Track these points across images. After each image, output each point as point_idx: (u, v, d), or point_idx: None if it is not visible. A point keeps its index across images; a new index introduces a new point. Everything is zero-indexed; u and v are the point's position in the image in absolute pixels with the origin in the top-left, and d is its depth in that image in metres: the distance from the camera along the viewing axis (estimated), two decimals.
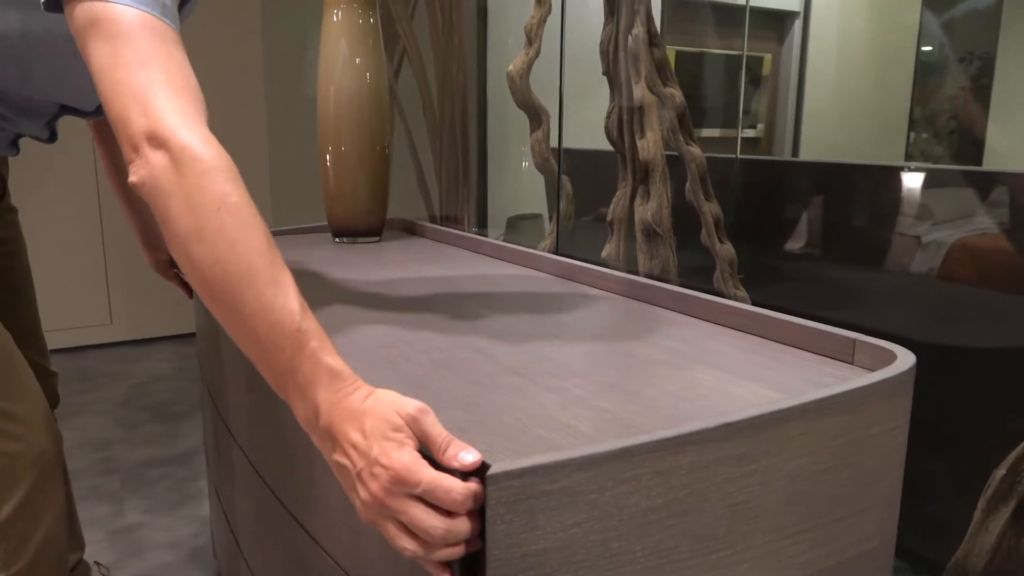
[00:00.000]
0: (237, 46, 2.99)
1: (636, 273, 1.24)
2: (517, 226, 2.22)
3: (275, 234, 1.53)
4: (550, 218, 1.64)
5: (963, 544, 0.80)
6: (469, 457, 0.50)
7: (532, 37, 1.49)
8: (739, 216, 1.31)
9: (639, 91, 1.19)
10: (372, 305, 0.95)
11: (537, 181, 1.65)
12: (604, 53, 1.21)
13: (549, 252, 1.31)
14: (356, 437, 0.51)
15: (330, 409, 0.53)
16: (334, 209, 1.48)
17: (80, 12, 0.58)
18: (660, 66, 1.14)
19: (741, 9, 1.75)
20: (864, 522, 0.66)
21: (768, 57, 1.81)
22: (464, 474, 0.50)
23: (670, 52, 1.90)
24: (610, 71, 1.21)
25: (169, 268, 1.32)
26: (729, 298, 1.15)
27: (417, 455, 0.50)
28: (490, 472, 0.49)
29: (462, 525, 0.49)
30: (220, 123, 2.73)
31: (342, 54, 1.41)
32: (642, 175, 1.21)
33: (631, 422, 0.60)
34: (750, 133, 1.83)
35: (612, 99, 1.23)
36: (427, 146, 2.04)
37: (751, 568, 0.60)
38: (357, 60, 1.42)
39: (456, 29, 1.89)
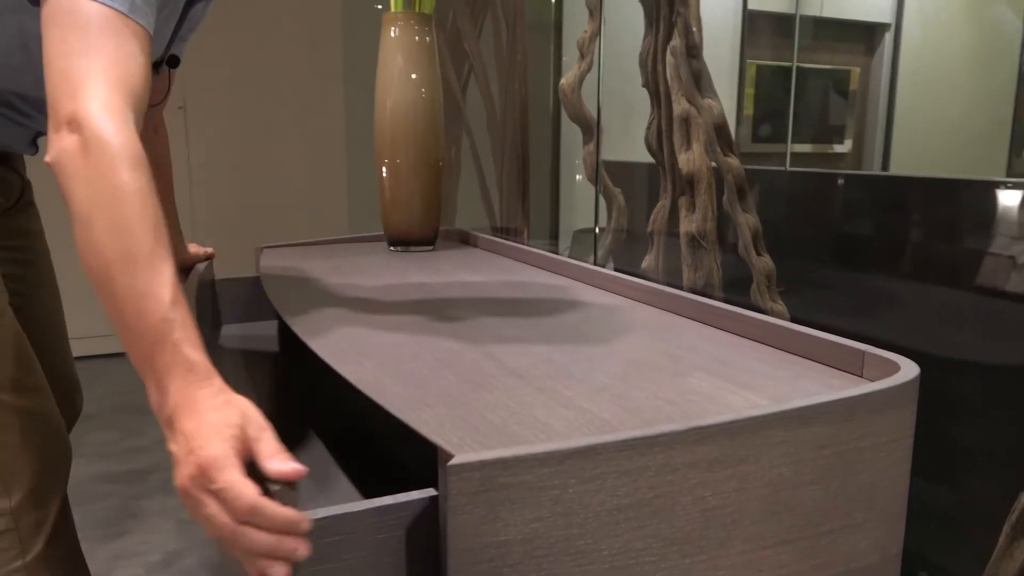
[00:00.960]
0: (317, 55, 3.13)
1: (678, 284, 1.23)
2: (581, 239, 2.23)
3: (334, 242, 1.60)
4: (610, 230, 1.64)
5: (986, 570, 0.76)
6: (280, 464, 0.50)
7: (584, 51, 1.51)
8: (786, 229, 1.28)
9: (683, 103, 1.19)
10: (398, 308, 0.99)
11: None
12: (643, 65, 1.21)
13: (587, 262, 1.32)
14: (190, 426, 0.52)
15: (178, 400, 0.54)
16: (389, 218, 1.53)
17: (48, 5, 0.63)
18: (698, 77, 1.14)
19: (823, 22, 1.72)
20: (858, 537, 0.64)
21: (856, 71, 1.76)
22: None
23: (750, 66, 1.88)
24: (649, 83, 1.22)
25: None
26: (765, 311, 1.13)
27: (231, 454, 0.49)
28: (451, 463, 0.51)
29: (251, 535, 0.47)
30: (298, 132, 2.88)
31: (398, 69, 1.47)
32: (683, 186, 1.21)
33: (608, 423, 0.61)
34: (838, 148, 1.78)
35: (652, 111, 1.24)
36: (491, 159, 2.08)
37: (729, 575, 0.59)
38: (413, 75, 1.48)
39: (519, 45, 1.93)
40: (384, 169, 1.51)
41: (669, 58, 1.17)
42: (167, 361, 0.55)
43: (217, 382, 0.56)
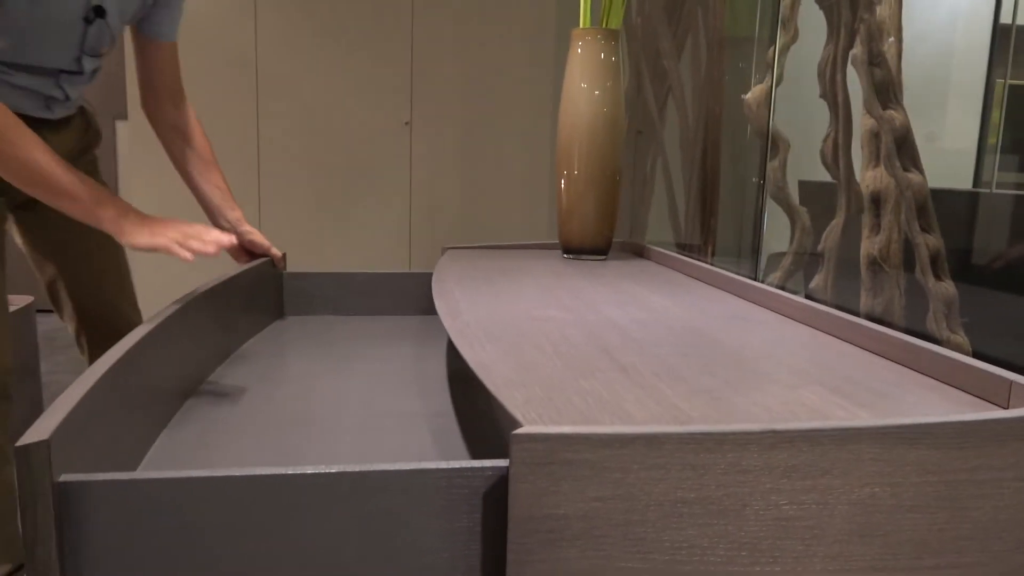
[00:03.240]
0: (532, 75, 3.27)
1: (849, 307, 1.16)
2: (772, 261, 2.14)
3: (513, 247, 1.68)
4: (791, 252, 1.57)
5: None
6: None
7: (774, 64, 1.47)
8: (981, 256, 1.16)
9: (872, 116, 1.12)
10: (544, 305, 1.03)
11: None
12: (821, 75, 1.16)
13: (754, 280, 1.28)
14: (161, 225, 0.98)
15: (138, 222, 0.98)
16: (564, 227, 1.58)
17: None
18: (882, 88, 1.07)
19: None
20: None
21: None
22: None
23: (999, 85, 1.71)
24: (827, 93, 1.16)
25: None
26: (941, 342, 1.03)
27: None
28: (516, 432, 0.54)
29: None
30: (510, 148, 3.03)
31: (581, 85, 1.52)
32: (859, 204, 1.14)
33: (692, 421, 0.61)
34: None
35: (830, 123, 1.18)
36: (682, 176, 2.07)
37: None
38: (596, 92, 1.52)
39: (715, 63, 1.90)
40: (563, 180, 1.56)
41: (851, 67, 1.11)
42: (112, 212, 0.98)
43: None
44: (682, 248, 2.04)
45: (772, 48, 1.45)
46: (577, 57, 1.53)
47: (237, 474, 0.56)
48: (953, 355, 0.72)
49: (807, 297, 1.12)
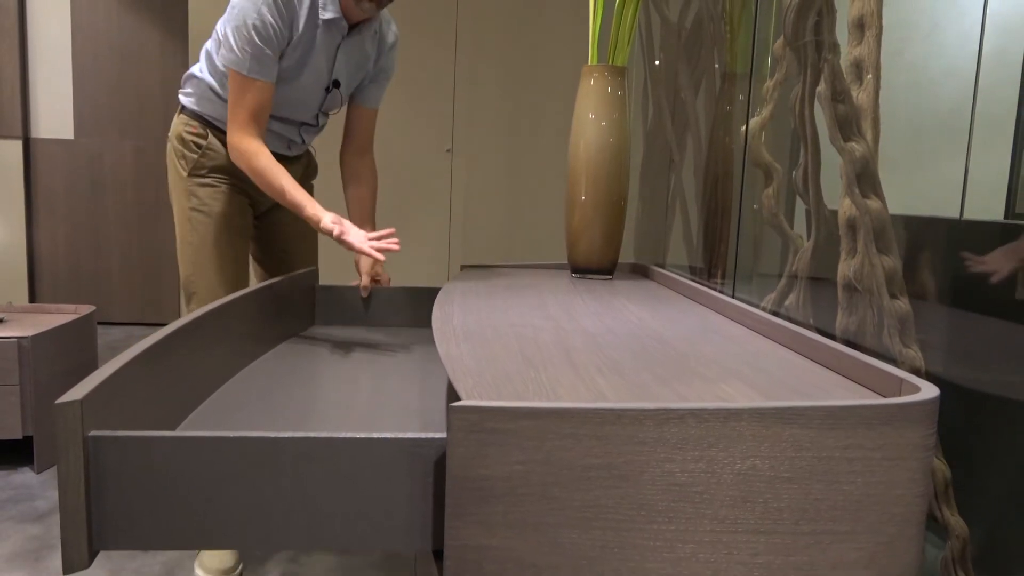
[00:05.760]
0: (567, 107, 3.41)
1: (825, 325, 1.24)
2: (769, 283, 2.20)
3: (525, 267, 1.80)
4: (785, 275, 1.65)
5: None
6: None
7: (767, 99, 1.56)
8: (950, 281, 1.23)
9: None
10: (530, 315, 1.14)
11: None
12: (792, 110, 1.26)
13: (731, 297, 1.36)
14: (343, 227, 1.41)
15: (329, 219, 1.40)
16: (573, 248, 1.69)
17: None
18: (844, 122, 1.16)
19: None
20: (846, 548, 0.66)
21: None
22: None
23: None
24: (797, 126, 1.25)
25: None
26: (894, 356, 1.11)
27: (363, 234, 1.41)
28: (452, 404, 0.66)
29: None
30: (546, 176, 3.15)
31: (590, 116, 1.64)
32: (827, 229, 1.22)
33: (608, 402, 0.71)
34: None
35: (802, 154, 1.27)
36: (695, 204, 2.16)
37: (697, 550, 0.66)
38: (603, 123, 1.64)
39: (725, 95, 2.00)
40: (572, 205, 1.68)
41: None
42: (312, 210, 1.43)
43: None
44: (694, 271, 2.13)
45: (765, 83, 1.55)
46: (586, 91, 1.65)
47: (232, 436, 0.69)
48: (865, 359, 0.81)
49: (788, 316, 1.21)
